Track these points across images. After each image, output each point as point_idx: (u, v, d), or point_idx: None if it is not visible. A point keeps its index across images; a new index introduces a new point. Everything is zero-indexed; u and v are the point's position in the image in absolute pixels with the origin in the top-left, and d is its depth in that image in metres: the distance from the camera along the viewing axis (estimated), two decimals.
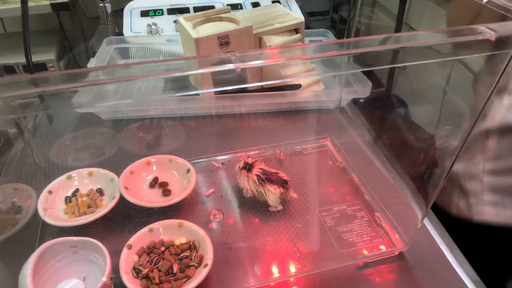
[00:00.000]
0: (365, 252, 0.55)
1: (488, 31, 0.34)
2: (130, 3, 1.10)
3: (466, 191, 0.71)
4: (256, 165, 0.60)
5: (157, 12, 1.07)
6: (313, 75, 0.84)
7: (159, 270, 0.49)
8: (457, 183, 0.72)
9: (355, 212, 0.60)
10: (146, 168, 0.65)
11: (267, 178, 0.59)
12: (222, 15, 0.77)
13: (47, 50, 1.31)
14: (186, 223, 0.55)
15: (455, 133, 0.50)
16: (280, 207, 0.60)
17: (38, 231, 0.56)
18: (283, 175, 0.60)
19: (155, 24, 0.99)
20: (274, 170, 0.61)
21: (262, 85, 0.80)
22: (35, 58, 1.25)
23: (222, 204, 0.62)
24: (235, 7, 1.10)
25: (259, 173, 0.59)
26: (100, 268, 0.50)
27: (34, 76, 0.30)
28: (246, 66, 0.30)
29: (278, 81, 0.79)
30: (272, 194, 0.58)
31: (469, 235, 0.65)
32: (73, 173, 0.63)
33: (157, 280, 0.48)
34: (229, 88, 0.35)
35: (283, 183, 0.59)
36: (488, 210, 0.69)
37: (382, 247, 0.55)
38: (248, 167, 0.60)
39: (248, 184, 0.59)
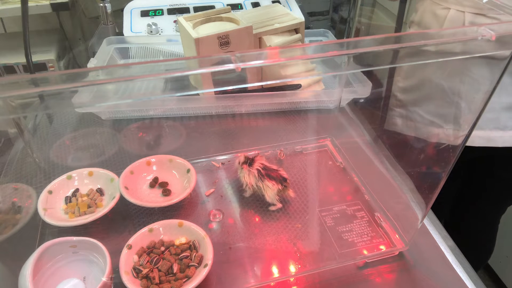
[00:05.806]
0: (365, 252, 0.55)
1: (488, 31, 0.34)
2: (130, 3, 1.10)
3: (388, 106, 0.84)
4: (257, 159, 0.61)
5: (157, 12, 1.07)
6: (313, 75, 0.84)
7: (159, 270, 0.49)
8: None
9: (355, 212, 0.60)
10: (146, 168, 0.65)
11: (267, 174, 0.59)
12: (222, 15, 0.77)
13: (47, 50, 1.31)
14: (186, 223, 0.55)
15: (455, 133, 0.50)
16: (279, 205, 0.60)
17: (38, 231, 0.56)
18: (283, 173, 0.61)
19: (155, 24, 0.99)
20: (275, 167, 0.61)
21: (262, 85, 0.80)
22: (35, 58, 1.25)
23: (222, 204, 0.62)
24: (235, 7, 1.10)
25: (259, 168, 0.60)
26: (100, 268, 0.50)
27: (34, 76, 0.30)
28: (246, 66, 0.30)
29: (278, 81, 0.79)
30: (269, 189, 0.59)
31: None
32: (73, 173, 0.63)
33: (157, 280, 0.48)
34: (229, 88, 0.35)
35: (282, 181, 0.59)
36: (398, 121, 0.82)
37: (382, 247, 0.55)
38: (250, 162, 0.61)
39: (249, 178, 0.60)
